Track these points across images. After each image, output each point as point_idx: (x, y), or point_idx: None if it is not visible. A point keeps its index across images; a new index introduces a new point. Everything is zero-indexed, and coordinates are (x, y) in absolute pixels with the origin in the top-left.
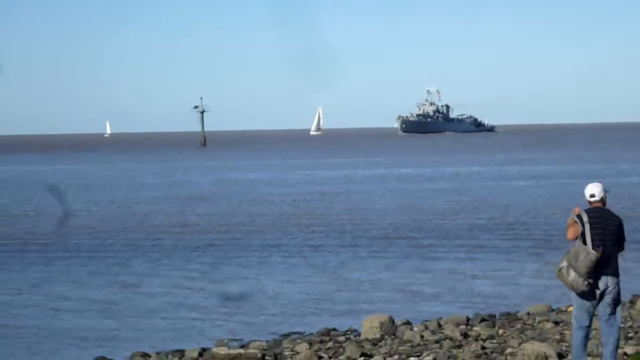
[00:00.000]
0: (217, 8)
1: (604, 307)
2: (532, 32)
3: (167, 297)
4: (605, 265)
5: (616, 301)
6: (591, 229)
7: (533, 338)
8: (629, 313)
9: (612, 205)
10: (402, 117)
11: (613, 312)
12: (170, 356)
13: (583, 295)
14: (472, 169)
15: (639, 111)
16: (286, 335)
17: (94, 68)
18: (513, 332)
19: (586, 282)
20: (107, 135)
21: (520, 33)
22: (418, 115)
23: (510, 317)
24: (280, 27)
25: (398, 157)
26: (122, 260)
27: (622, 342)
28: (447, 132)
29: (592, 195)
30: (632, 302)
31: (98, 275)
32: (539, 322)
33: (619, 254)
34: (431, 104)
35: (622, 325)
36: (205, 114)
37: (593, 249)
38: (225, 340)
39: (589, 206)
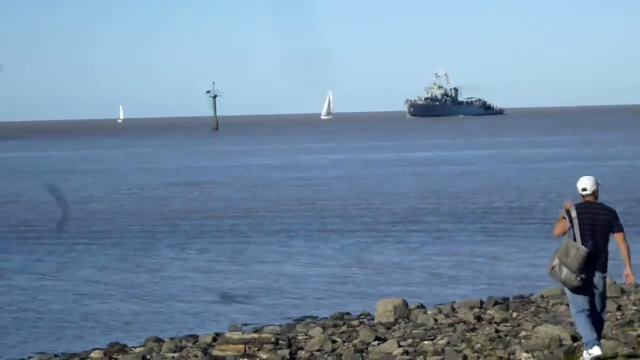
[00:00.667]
0: None
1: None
2: (540, 16)
3: (182, 282)
4: (595, 260)
5: (603, 295)
6: (580, 224)
7: (547, 321)
8: None
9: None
10: (410, 100)
11: (601, 304)
12: (184, 341)
13: (575, 289)
14: (489, 152)
15: None
16: (300, 320)
17: (106, 53)
18: (527, 315)
19: (579, 278)
20: (120, 121)
21: (528, 17)
22: (426, 99)
23: (524, 300)
24: (289, 12)
25: (413, 140)
26: (140, 246)
27: (636, 324)
28: (456, 115)
29: (584, 189)
30: None
31: (116, 260)
32: (553, 304)
33: (626, 243)
34: (439, 87)
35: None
36: (217, 98)
37: (582, 244)
38: (239, 325)
39: (581, 199)
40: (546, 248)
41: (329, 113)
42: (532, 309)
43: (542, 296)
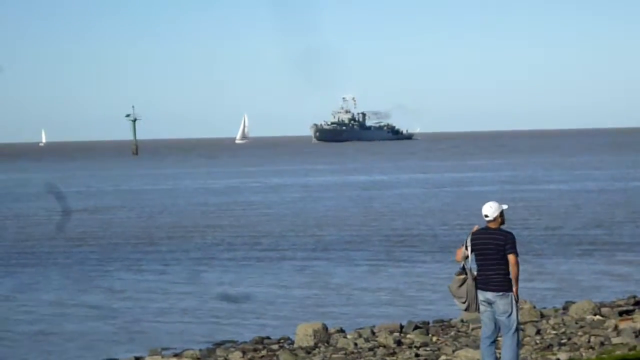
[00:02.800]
0: (148, 17)
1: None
2: (447, 41)
3: (103, 305)
4: (484, 282)
5: (505, 313)
6: (472, 250)
7: (467, 345)
8: (562, 319)
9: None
10: (317, 125)
11: (507, 324)
12: None
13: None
14: (409, 176)
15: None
16: (220, 344)
17: (27, 75)
18: (447, 339)
19: (460, 303)
20: (42, 145)
21: (437, 41)
22: (333, 124)
23: (444, 324)
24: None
25: (335, 164)
26: (70, 269)
27: (555, 348)
28: (364, 140)
29: (486, 216)
30: (565, 309)
31: (57, 283)
32: (473, 329)
33: (517, 265)
34: (347, 111)
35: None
36: (137, 122)
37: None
38: (159, 349)
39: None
40: None
41: (244, 137)
42: (452, 333)
43: (462, 320)
